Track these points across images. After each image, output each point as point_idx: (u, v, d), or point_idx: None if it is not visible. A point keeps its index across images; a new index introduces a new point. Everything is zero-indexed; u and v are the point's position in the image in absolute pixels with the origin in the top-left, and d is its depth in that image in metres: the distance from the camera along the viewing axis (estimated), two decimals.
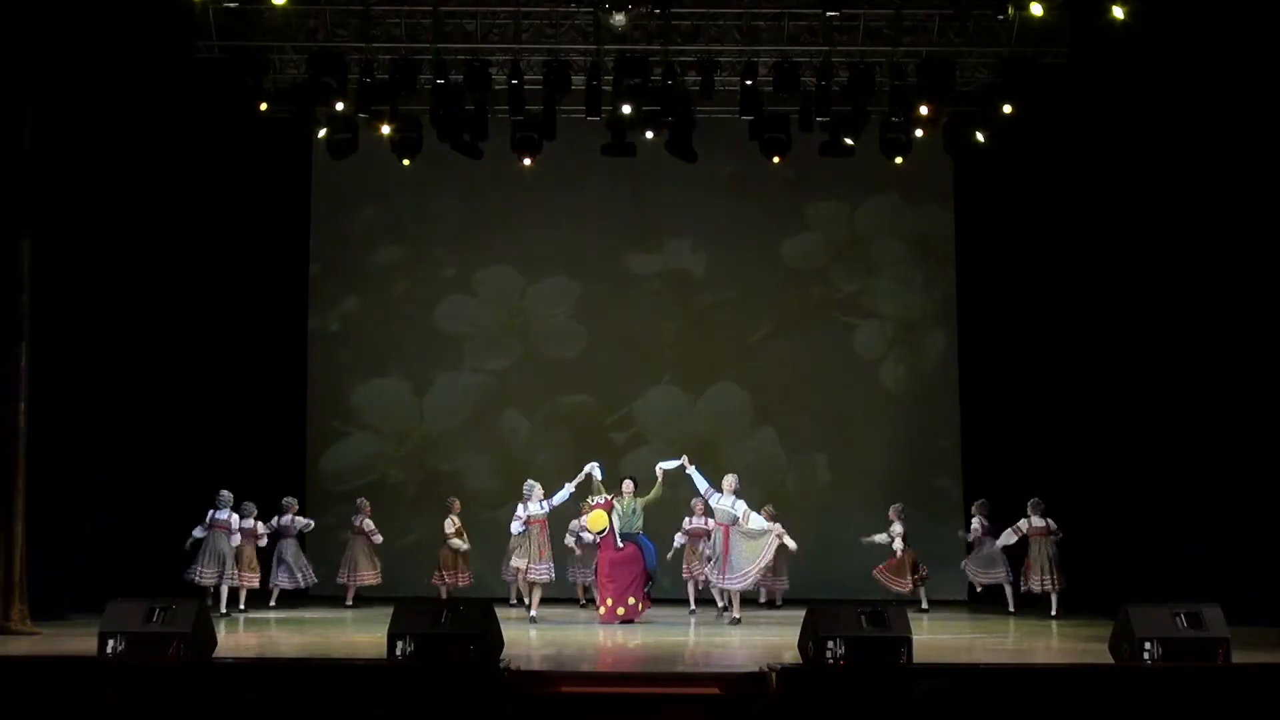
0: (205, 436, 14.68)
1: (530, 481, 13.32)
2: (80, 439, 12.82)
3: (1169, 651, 8.53)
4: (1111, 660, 8.80)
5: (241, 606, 13.56)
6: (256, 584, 13.75)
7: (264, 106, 14.22)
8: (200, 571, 13.25)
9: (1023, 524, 13.76)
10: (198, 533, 13.35)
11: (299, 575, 14.17)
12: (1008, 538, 13.85)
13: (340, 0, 13.95)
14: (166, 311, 14.35)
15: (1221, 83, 12.25)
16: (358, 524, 14.46)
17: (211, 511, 13.41)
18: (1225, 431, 12.37)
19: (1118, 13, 12.22)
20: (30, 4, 11.80)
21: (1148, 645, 8.56)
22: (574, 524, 13.75)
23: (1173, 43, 12.47)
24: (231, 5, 13.23)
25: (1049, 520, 13.72)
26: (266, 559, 14.02)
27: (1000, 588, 14.08)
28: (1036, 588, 13.69)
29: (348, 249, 16.53)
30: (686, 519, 13.87)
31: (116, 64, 12.93)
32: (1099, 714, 7.69)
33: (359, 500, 14.73)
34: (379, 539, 14.44)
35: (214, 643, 9.08)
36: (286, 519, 14.18)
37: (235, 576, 13.42)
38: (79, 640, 9.87)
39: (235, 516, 13.46)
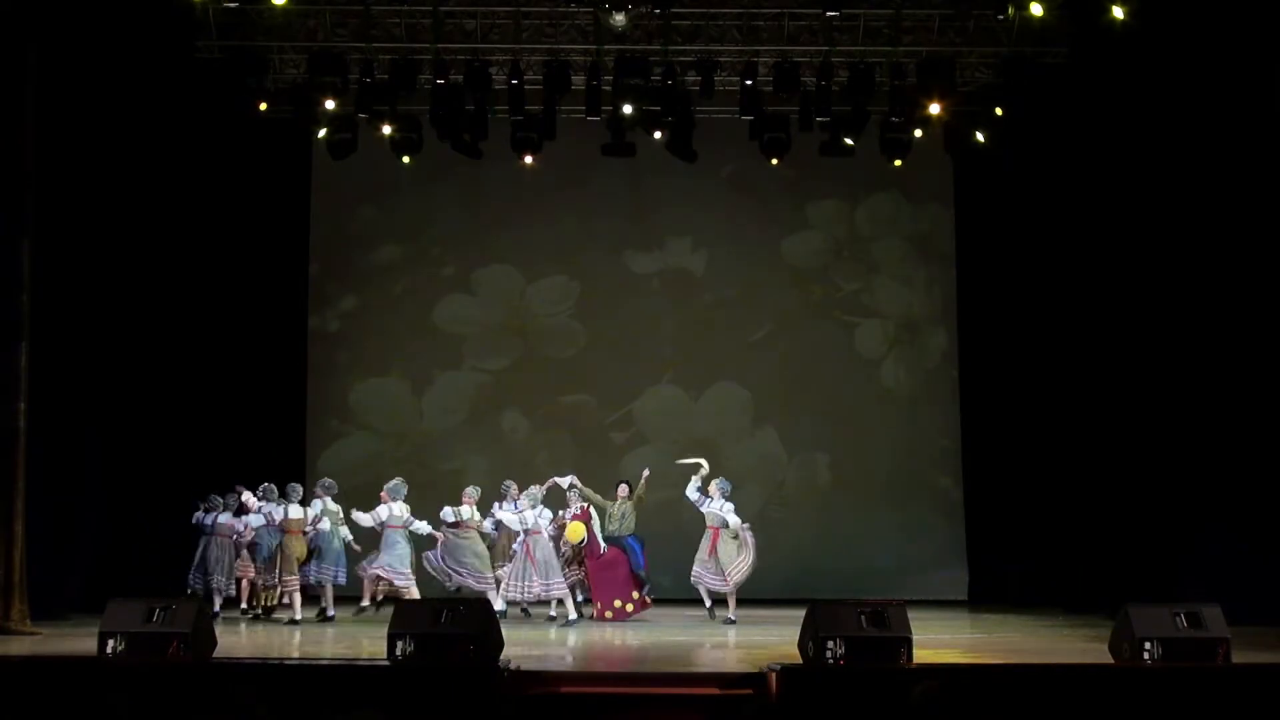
0: (205, 436, 14.69)
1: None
2: (80, 439, 12.82)
3: (1169, 651, 8.50)
4: (1111, 660, 8.78)
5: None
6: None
7: (264, 106, 14.23)
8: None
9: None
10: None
11: None
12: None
13: (340, 0, 13.96)
14: (166, 311, 14.37)
15: (1221, 82, 12.24)
16: None
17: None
18: (1226, 431, 12.37)
19: (1118, 13, 12.21)
20: (30, 5, 11.80)
21: (1148, 645, 8.52)
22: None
23: (1173, 43, 12.47)
24: (231, 5, 13.22)
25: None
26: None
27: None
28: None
29: (347, 248, 16.54)
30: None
31: (117, 64, 12.94)
32: (1099, 714, 7.68)
33: None
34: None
35: (214, 643, 9.06)
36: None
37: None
38: (79, 640, 9.86)
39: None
